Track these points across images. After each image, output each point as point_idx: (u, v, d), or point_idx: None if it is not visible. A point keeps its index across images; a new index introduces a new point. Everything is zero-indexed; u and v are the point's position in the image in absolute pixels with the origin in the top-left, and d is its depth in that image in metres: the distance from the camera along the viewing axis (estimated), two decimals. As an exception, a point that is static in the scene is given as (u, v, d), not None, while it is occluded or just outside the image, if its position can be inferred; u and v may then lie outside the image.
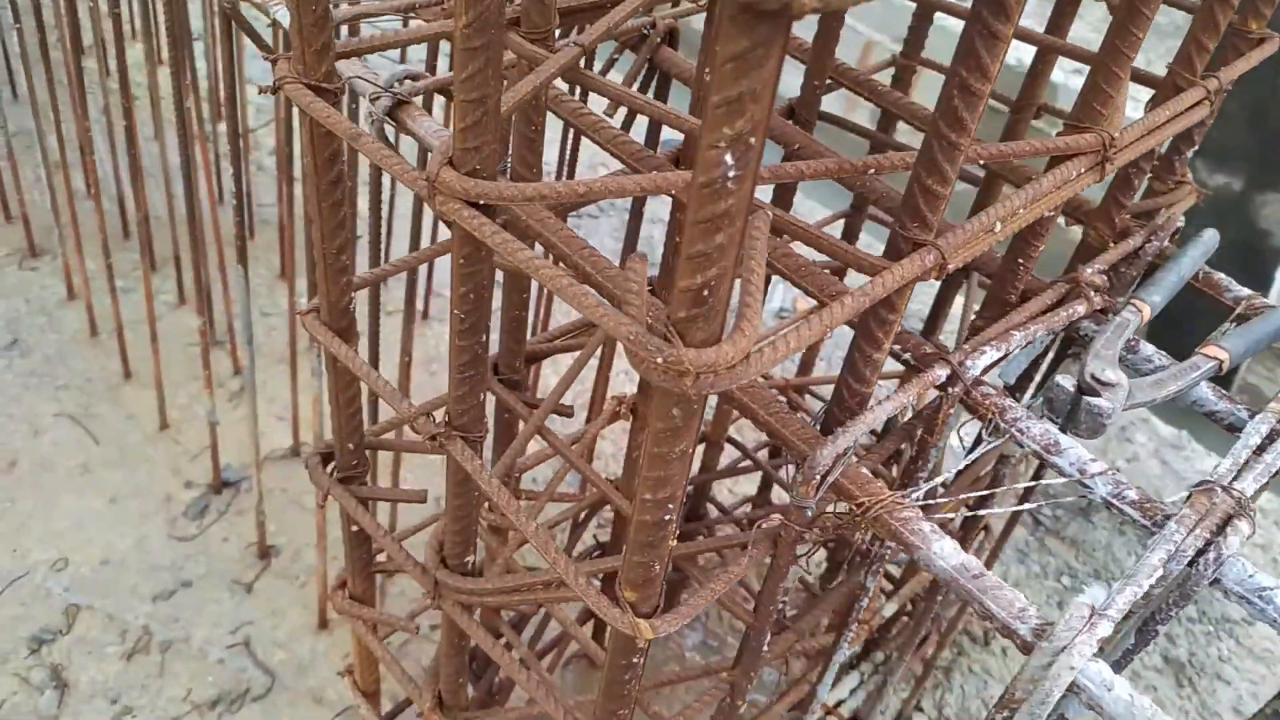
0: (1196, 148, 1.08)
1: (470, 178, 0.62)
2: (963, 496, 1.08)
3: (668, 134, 1.14)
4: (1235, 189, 2.84)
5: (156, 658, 1.73)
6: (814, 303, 0.73)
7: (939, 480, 0.83)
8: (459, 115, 0.61)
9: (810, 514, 0.75)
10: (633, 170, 0.79)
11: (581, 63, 0.81)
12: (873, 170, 0.79)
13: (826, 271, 0.78)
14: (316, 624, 1.81)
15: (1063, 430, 0.84)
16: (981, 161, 0.80)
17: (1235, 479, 0.77)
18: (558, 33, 0.88)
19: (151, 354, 2.03)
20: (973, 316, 0.99)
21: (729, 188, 0.48)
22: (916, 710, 1.90)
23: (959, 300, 1.45)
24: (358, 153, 1.34)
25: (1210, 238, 1.02)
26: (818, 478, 0.73)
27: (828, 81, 1.20)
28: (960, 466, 0.84)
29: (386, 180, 2.24)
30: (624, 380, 2.36)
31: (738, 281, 0.54)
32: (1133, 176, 1.06)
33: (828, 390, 1.82)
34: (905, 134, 1.47)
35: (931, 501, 0.79)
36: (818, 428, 0.85)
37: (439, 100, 1.71)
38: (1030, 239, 0.93)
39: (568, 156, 1.61)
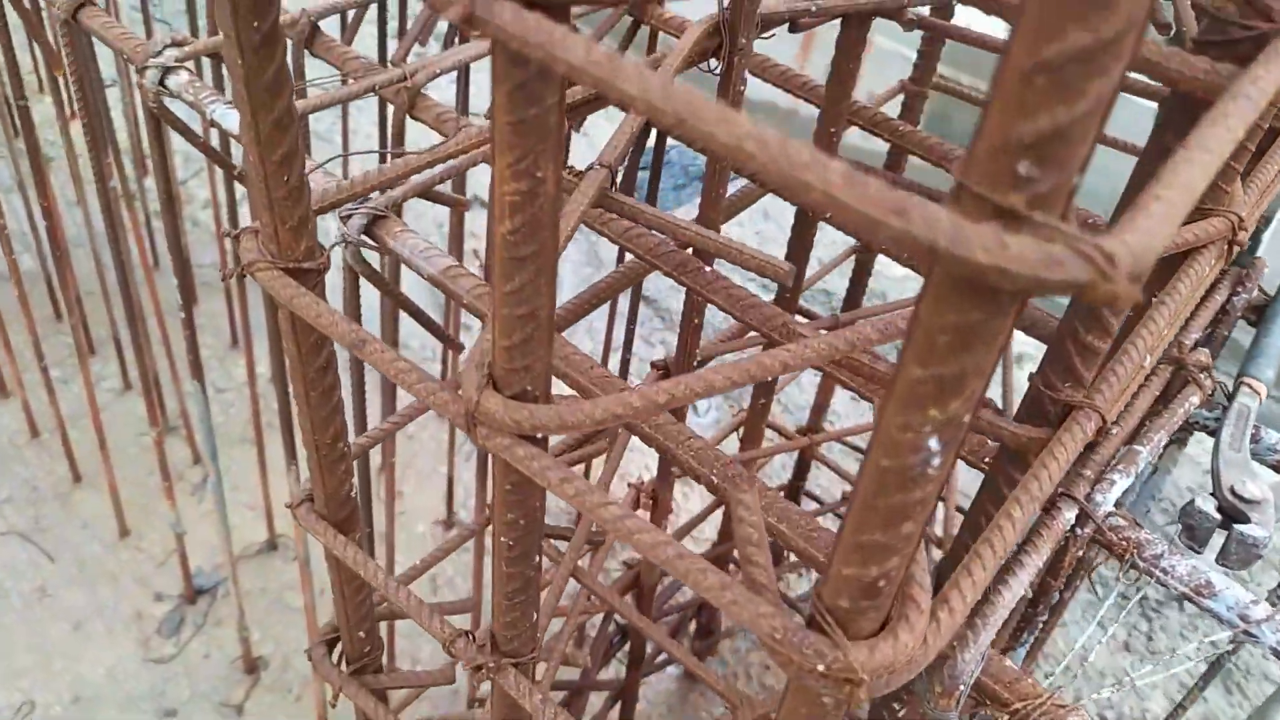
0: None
1: (520, 403, 0.48)
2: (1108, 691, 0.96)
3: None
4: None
5: (146, 803, 1.58)
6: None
7: (1078, 647, 0.70)
8: (501, 331, 0.46)
9: (950, 725, 0.62)
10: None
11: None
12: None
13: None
14: (318, 740, 1.66)
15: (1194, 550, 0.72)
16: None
17: None
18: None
19: (100, 452, 1.84)
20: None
21: (929, 474, 0.35)
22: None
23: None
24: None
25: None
26: (961, 687, 0.60)
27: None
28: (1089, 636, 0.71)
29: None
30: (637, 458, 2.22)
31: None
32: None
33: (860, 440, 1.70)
34: (916, 167, 1.34)
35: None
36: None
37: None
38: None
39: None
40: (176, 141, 2.66)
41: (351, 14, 1.24)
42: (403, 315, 1.11)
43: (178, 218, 1.16)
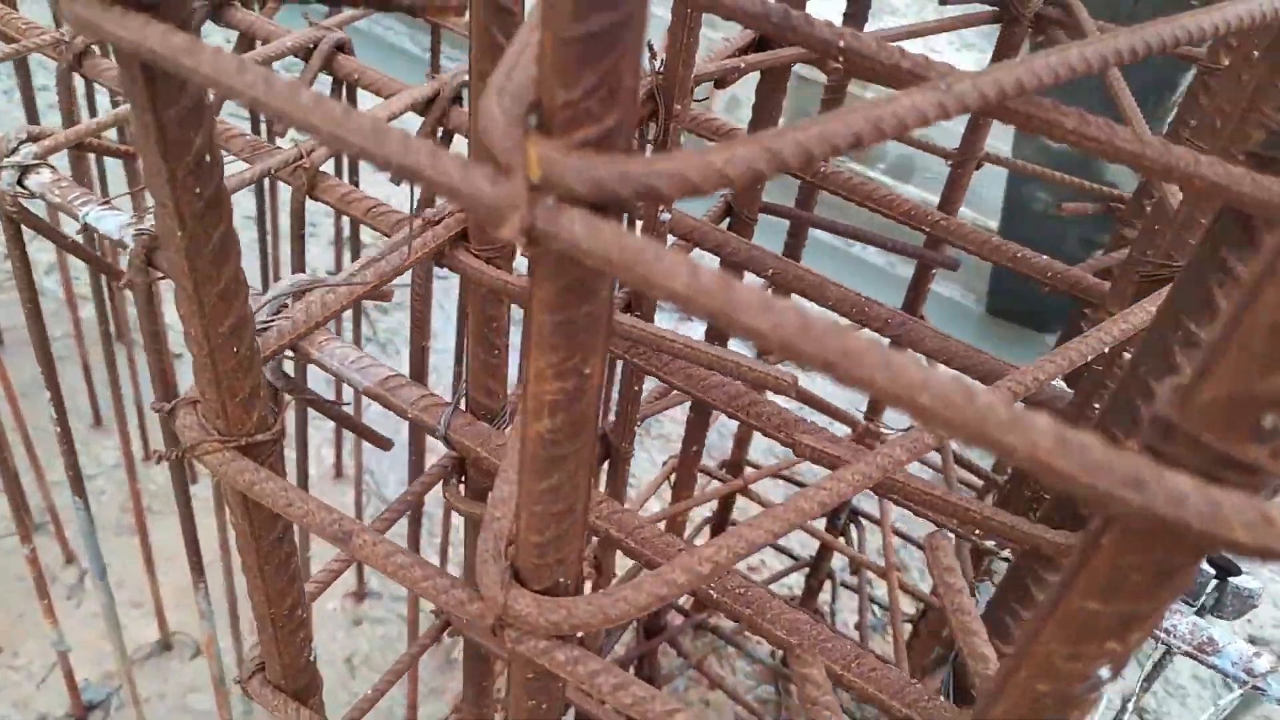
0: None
1: (555, 600, 0.42)
2: None
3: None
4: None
5: None
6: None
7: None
8: (531, 527, 0.40)
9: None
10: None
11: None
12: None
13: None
14: None
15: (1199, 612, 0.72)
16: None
17: None
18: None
19: (-42, 568, 1.65)
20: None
21: (1092, 697, 0.31)
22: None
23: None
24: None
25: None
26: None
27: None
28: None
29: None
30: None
31: None
32: (1150, 254, 0.95)
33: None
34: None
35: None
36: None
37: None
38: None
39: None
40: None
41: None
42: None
43: (44, 332, 1.03)
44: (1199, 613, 0.73)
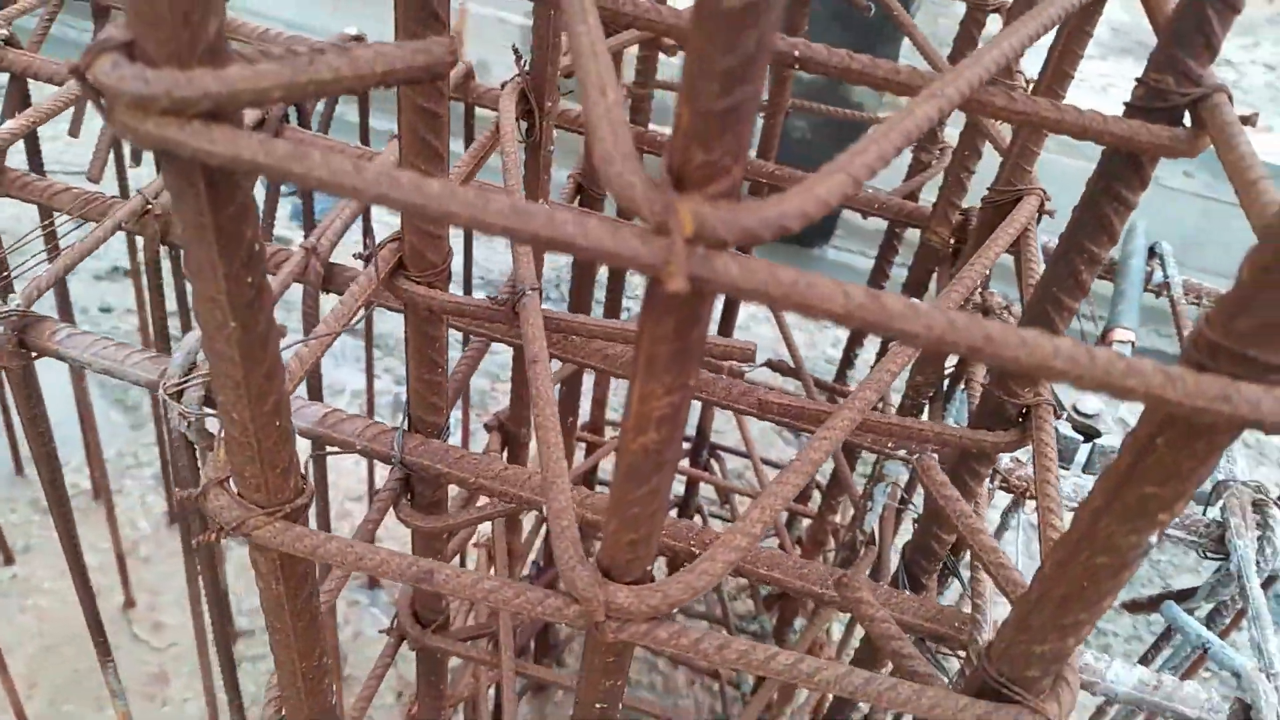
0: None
1: (650, 588, 0.46)
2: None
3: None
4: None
5: None
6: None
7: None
8: (626, 526, 0.44)
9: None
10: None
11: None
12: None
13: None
14: None
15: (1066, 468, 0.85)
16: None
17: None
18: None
19: None
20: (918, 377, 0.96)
21: (1140, 560, 0.39)
22: None
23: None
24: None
25: (1142, 231, 1.04)
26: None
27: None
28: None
29: None
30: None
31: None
32: (963, 178, 1.08)
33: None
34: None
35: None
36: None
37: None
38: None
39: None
40: None
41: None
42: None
43: None
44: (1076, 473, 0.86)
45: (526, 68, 0.84)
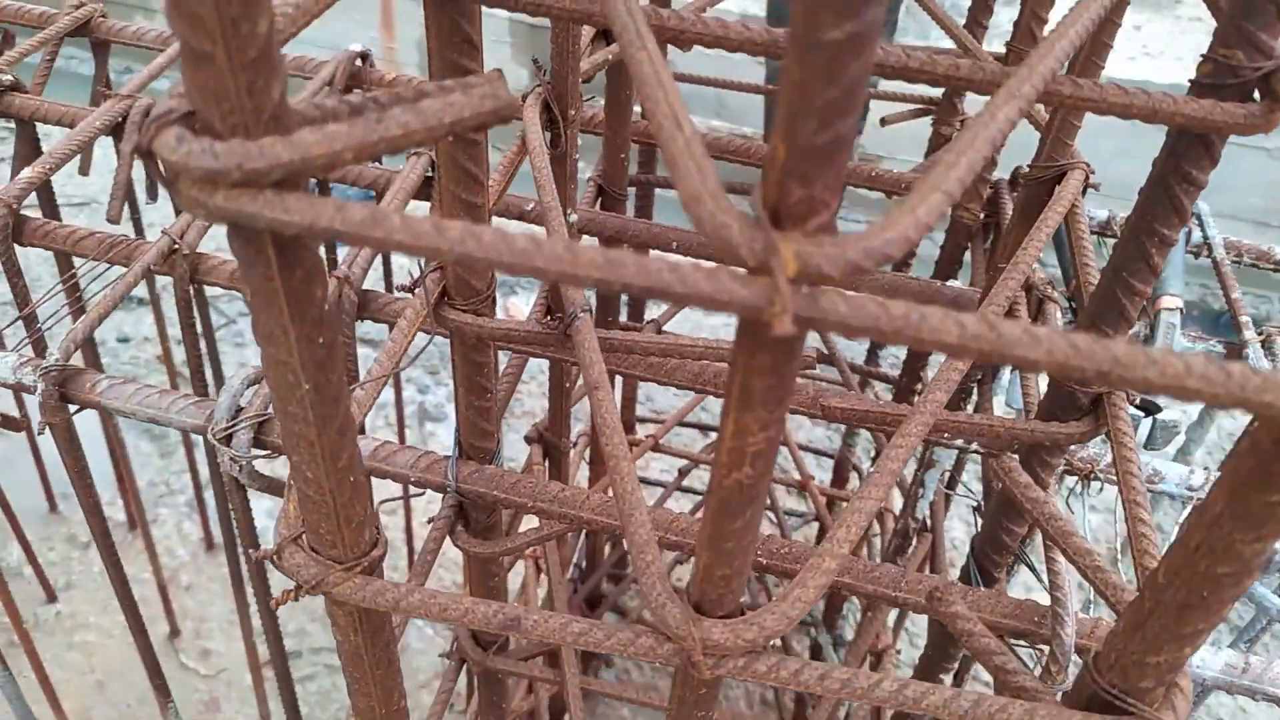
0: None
1: (744, 621, 0.45)
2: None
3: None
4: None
5: None
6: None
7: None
8: (718, 561, 0.43)
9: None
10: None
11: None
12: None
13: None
14: None
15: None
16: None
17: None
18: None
19: None
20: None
21: (1261, 568, 0.38)
22: None
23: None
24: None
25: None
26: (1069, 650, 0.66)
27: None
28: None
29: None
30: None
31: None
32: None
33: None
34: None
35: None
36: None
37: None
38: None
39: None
40: None
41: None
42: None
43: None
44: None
45: (548, 77, 0.82)
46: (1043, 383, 0.82)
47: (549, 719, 1.31)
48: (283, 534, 0.49)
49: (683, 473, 1.70)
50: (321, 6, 0.44)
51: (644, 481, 1.88)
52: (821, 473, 2.17)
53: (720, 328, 2.72)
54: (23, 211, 0.99)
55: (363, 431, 1.10)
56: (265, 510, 1.96)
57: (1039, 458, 0.67)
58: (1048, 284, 0.93)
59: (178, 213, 1.02)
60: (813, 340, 1.57)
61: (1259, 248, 1.13)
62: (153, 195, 1.15)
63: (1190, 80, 0.49)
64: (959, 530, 2.20)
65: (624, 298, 1.65)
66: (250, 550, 0.60)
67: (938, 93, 1.36)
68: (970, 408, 0.93)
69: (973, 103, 1.25)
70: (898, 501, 1.60)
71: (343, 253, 0.97)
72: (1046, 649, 0.64)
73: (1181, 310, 0.93)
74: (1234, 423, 2.54)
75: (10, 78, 1.14)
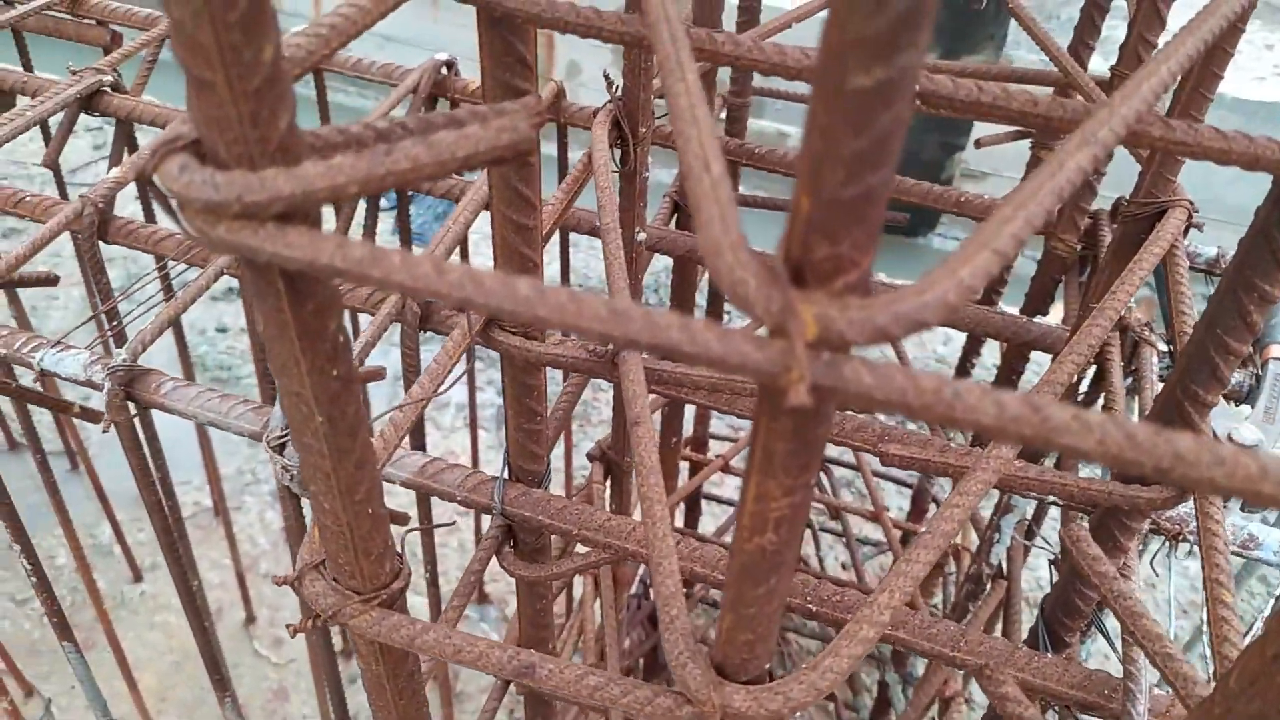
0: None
1: (768, 690, 0.42)
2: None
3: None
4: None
5: None
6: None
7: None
8: (742, 626, 0.40)
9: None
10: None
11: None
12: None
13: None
14: None
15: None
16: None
17: None
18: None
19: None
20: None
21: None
22: None
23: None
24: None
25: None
26: None
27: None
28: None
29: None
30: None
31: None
32: (1092, 180, 1.00)
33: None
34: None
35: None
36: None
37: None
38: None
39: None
40: None
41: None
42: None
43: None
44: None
45: (618, 93, 0.80)
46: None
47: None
48: (305, 560, 0.49)
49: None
50: (362, 26, 0.42)
51: (715, 500, 1.85)
52: (901, 499, 2.10)
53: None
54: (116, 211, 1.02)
55: (422, 435, 1.10)
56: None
57: (1118, 520, 0.62)
58: (1145, 325, 0.87)
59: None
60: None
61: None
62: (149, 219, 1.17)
63: (1301, 123, 0.44)
64: (1039, 576, 2.11)
65: (700, 301, 1.62)
66: (276, 579, 0.60)
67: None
68: (1050, 459, 0.87)
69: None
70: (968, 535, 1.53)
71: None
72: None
73: (1290, 362, 0.86)
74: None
75: (111, 77, 1.18)
